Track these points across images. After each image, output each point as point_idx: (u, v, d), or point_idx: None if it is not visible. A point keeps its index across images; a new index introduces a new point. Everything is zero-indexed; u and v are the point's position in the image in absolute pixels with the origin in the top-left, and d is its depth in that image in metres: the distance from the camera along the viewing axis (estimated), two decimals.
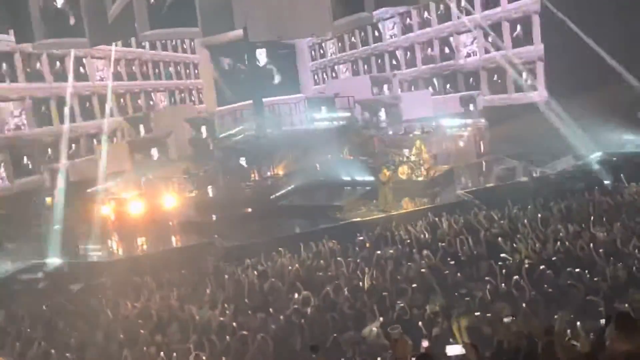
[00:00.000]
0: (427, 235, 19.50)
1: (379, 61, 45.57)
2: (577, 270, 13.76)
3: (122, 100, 40.15)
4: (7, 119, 32.37)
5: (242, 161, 31.64)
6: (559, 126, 28.12)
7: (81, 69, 37.19)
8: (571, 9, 29.24)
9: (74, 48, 32.62)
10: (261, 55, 42.41)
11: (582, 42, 28.63)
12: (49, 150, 33.68)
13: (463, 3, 37.99)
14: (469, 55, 39.43)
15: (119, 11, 24.08)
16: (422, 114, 35.28)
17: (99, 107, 37.79)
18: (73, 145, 35.28)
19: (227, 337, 13.15)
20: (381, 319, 12.69)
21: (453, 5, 38.87)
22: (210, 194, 29.56)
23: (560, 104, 29.19)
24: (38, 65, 34.03)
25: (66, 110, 34.21)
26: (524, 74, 35.13)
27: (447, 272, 15.57)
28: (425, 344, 10.56)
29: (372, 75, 43.66)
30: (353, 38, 47.24)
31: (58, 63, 35.02)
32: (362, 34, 46.26)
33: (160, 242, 25.55)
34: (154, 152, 34.57)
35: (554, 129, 28.08)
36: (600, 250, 14.86)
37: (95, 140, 36.94)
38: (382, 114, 37.26)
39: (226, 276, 17.99)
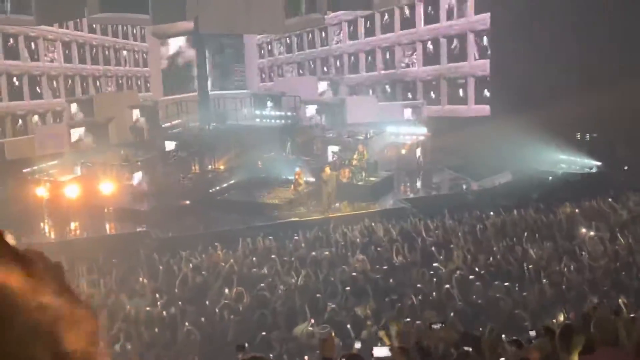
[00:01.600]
0: (362, 240, 19.67)
1: (324, 65, 46.28)
2: (506, 284, 14.06)
3: (69, 82, 39.82)
4: None
5: (184, 152, 31.39)
6: (499, 141, 28.56)
7: (32, 49, 37.14)
8: (520, 28, 29.83)
9: (20, 25, 32.07)
10: (210, 48, 42.20)
11: (528, 60, 29.21)
12: None
13: (406, 14, 39.22)
14: (407, 66, 40.69)
15: None
16: (366, 119, 35.46)
17: (48, 88, 37.79)
18: (20, 121, 35.31)
19: (156, 328, 13.06)
20: (312, 319, 12.75)
21: (397, 17, 40.00)
22: (149, 183, 29.23)
23: (501, 120, 29.64)
24: None
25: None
26: (459, 88, 36.45)
27: (379, 276, 15.73)
28: (358, 345, 10.65)
29: (319, 76, 43.89)
30: (300, 40, 47.80)
31: (11, 40, 34.88)
32: (310, 36, 46.84)
33: (94, 228, 25.20)
34: (94, 136, 34.03)
35: (494, 144, 28.52)
36: (530, 266, 15.19)
37: (38, 120, 36.72)
38: (327, 116, 37.34)
39: (160, 267, 17.87)
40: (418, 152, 31.89)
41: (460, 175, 29.97)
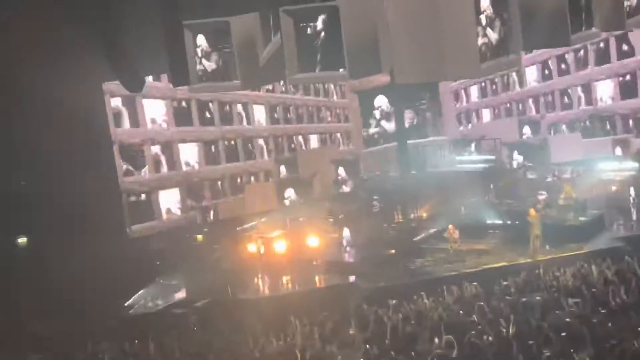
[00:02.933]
0: (575, 282, 18.89)
1: (521, 106, 46.01)
2: None
3: (278, 142, 42.25)
4: (184, 158, 35.82)
5: (386, 202, 31.74)
6: None
7: (244, 114, 40.12)
8: None
9: (227, 91, 34.12)
10: (407, 97, 42.68)
11: None
12: (217, 186, 36.38)
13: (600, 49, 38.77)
14: (603, 100, 40.80)
15: (270, 55, 24.86)
16: (571, 157, 34.43)
17: (258, 148, 40.81)
18: (239, 180, 38.22)
19: None
20: None
21: (590, 54, 40.10)
22: (354, 235, 29.71)
23: None
24: (209, 110, 36.90)
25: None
26: None
27: (596, 321, 15.01)
28: None
29: (519, 118, 43.36)
30: (493, 83, 47.92)
31: (226, 107, 37.78)
32: (505, 78, 46.81)
33: (304, 281, 25.94)
34: (299, 192, 35.28)
35: None
36: None
37: (251, 179, 39.37)
38: (529, 157, 36.60)
39: (369, 317, 18.05)
40: (630, 188, 30.33)
41: None
